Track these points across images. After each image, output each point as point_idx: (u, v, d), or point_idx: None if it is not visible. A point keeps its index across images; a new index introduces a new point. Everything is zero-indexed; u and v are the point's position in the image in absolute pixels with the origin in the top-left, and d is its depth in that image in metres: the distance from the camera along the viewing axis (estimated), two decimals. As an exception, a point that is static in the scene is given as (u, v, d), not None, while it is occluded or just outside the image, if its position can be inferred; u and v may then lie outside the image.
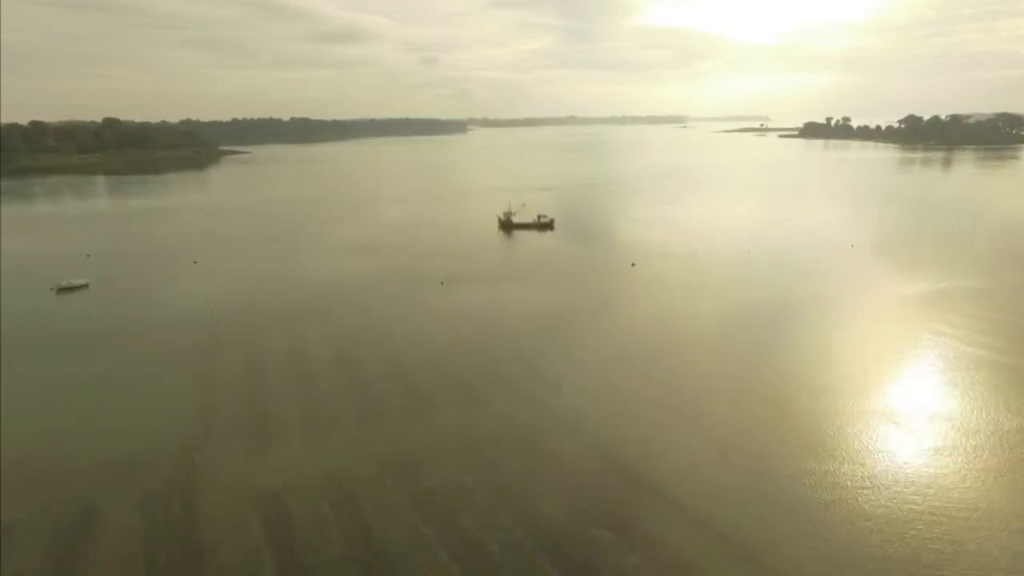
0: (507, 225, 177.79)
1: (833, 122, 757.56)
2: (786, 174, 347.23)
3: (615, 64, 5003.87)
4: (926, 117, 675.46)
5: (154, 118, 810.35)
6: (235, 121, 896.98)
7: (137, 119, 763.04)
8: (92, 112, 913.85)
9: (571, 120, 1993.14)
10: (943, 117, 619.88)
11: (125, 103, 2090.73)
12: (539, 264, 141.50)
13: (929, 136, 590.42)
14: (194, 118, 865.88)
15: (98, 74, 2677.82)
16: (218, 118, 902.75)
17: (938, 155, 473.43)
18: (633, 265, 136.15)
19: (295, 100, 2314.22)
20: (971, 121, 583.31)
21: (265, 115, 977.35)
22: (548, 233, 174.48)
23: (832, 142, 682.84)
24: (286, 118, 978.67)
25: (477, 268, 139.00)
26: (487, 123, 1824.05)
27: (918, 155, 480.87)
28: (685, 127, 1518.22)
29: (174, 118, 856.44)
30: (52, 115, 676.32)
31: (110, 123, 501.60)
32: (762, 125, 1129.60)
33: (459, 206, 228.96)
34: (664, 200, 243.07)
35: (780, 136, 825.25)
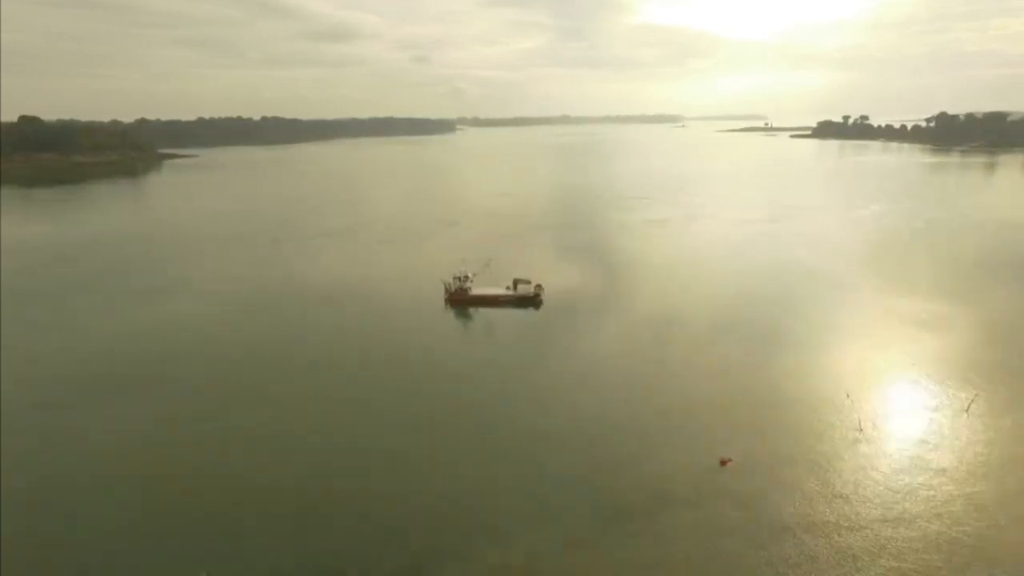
0: (459, 299, 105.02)
1: (851, 121, 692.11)
2: (857, 190, 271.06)
3: (609, 62, 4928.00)
4: (928, 115, 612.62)
5: (148, 117, 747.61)
6: (200, 120, 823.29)
7: (127, 119, 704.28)
8: (84, 112, 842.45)
9: (564, 120, 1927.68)
10: (978, 114, 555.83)
11: (115, 102, 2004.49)
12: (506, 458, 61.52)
13: (964, 136, 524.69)
14: (183, 118, 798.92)
15: (90, 73, 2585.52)
16: (213, 116, 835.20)
17: (983, 159, 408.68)
18: (724, 464, 57.77)
19: (286, 99, 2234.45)
20: (1016, 118, 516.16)
21: (263, 113, 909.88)
22: (531, 312, 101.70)
23: (850, 143, 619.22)
24: (257, 117, 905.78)
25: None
26: (478, 122, 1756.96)
27: (965, 159, 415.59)
28: (683, 126, 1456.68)
29: (163, 117, 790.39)
30: (48, 114, 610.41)
31: (29, 122, 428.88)
32: (767, 124, 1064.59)
33: (408, 249, 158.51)
34: (728, 242, 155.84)
35: (792, 136, 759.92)
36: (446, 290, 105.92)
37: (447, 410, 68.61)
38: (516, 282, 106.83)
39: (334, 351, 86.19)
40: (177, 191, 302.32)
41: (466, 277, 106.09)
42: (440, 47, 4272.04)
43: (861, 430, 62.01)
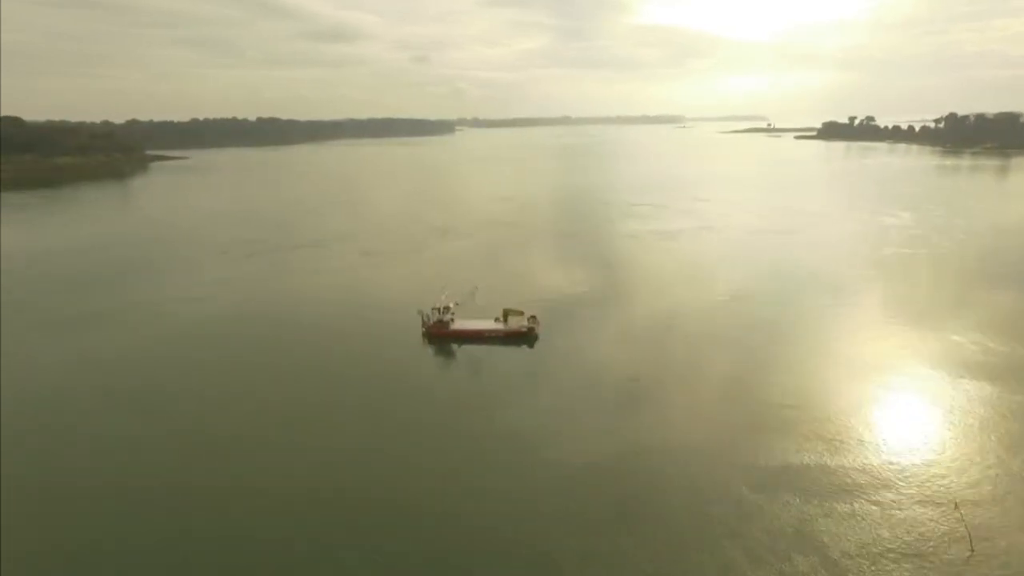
0: (437, 333, 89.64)
1: (857, 122, 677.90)
2: (877, 195, 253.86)
3: (609, 63, 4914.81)
4: (933, 116, 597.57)
5: (144, 117, 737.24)
6: (194, 121, 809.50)
7: (124, 119, 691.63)
8: (82, 113, 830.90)
9: (564, 120, 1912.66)
10: (989, 115, 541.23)
11: (113, 103, 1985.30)
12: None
13: (975, 137, 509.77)
14: (181, 119, 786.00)
15: (91, 73, 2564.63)
16: (211, 117, 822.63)
17: (998, 161, 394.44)
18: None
19: (285, 99, 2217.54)
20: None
21: (262, 114, 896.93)
22: (524, 350, 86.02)
23: (856, 144, 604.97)
24: (253, 117, 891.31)
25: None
26: (477, 123, 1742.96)
27: (979, 161, 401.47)
28: (684, 127, 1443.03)
29: (162, 117, 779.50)
30: (43, 115, 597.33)
31: (10, 123, 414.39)
32: (769, 125, 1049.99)
33: (393, 264, 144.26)
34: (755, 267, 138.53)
35: (796, 137, 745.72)
36: (423, 323, 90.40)
37: (404, 488, 54.59)
38: (507, 313, 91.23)
39: (277, 399, 72.30)
40: (157, 196, 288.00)
41: (447, 308, 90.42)
42: (440, 47, 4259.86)
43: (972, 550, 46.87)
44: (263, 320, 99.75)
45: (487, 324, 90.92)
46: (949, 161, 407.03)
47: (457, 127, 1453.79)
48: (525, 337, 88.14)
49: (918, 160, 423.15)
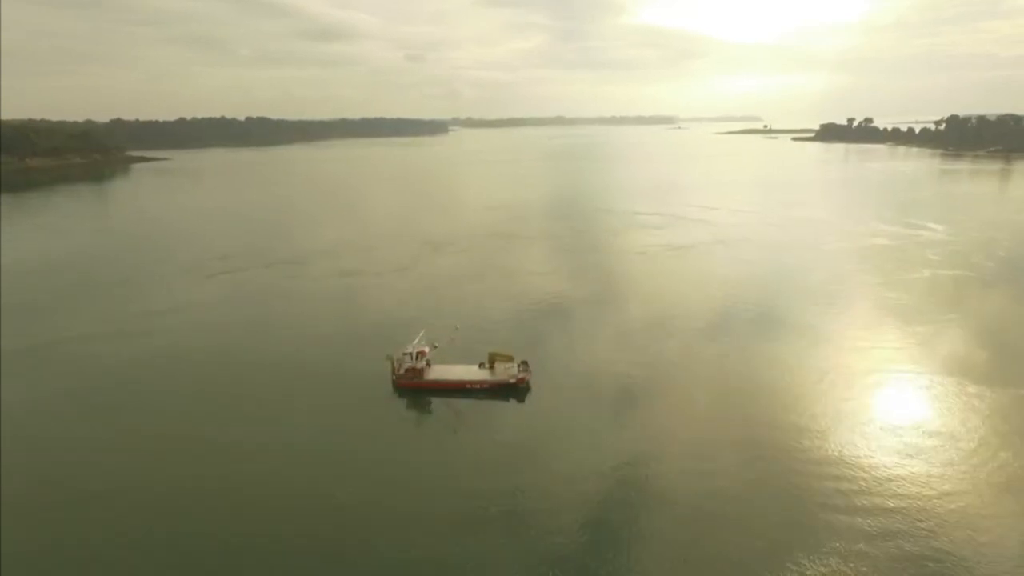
0: (409, 384, 74.92)
1: (855, 123, 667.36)
2: (894, 204, 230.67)
3: (605, 63, 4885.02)
4: (928, 118, 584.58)
5: (131, 117, 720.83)
6: (181, 121, 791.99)
7: (109, 119, 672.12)
8: (68, 113, 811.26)
9: (558, 121, 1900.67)
10: (990, 116, 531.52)
11: (102, 102, 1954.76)
12: None
13: (978, 140, 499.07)
14: (169, 118, 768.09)
15: (77, 72, 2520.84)
16: (200, 116, 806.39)
17: (1003, 165, 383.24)
18: None
19: (277, 99, 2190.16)
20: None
21: (253, 114, 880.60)
22: (512, 404, 72.15)
23: (855, 146, 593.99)
24: (242, 117, 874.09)
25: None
26: (472, 123, 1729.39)
27: (984, 165, 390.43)
28: (679, 128, 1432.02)
29: (152, 117, 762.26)
30: (24, 114, 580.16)
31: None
32: (766, 126, 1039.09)
33: (370, 288, 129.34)
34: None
35: (794, 139, 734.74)
36: (394, 370, 75.95)
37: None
38: (493, 358, 76.91)
39: (212, 470, 58.58)
40: (129, 203, 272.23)
41: (419, 354, 75.95)
42: (435, 47, 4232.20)
43: None
44: (201, 361, 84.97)
45: (470, 372, 76.80)
46: (956, 165, 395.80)
47: (451, 127, 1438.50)
48: (514, 389, 74.00)
49: (923, 164, 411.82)
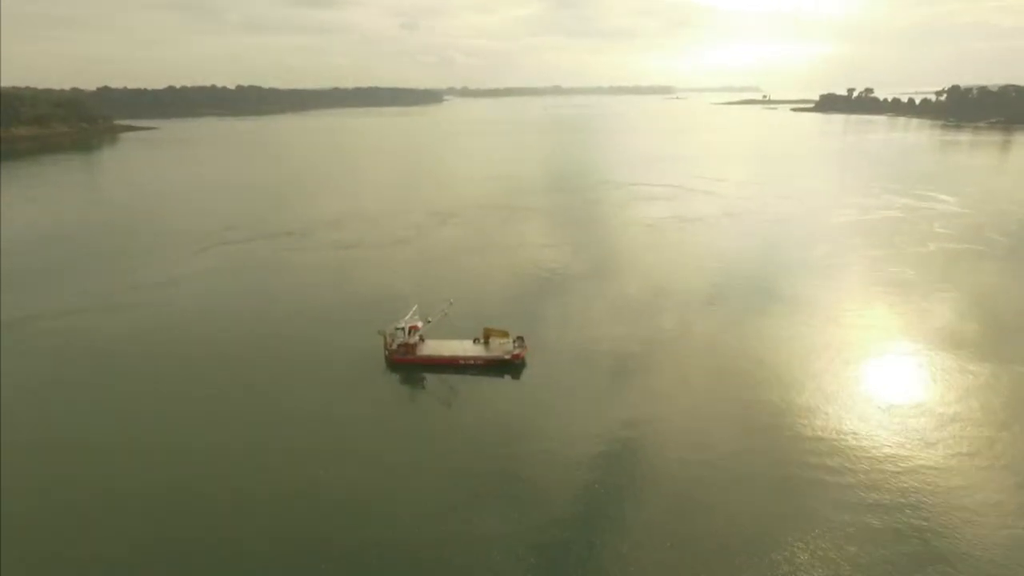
0: (402, 359, 72.99)
1: (855, 94, 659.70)
2: (899, 175, 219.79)
3: (602, 32, 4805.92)
4: (928, 88, 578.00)
5: (119, 85, 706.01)
6: (170, 89, 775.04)
7: (95, 87, 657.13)
8: (54, 80, 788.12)
9: (555, 90, 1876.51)
10: (992, 87, 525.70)
11: (89, 69, 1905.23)
12: None
13: (978, 111, 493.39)
14: (157, 86, 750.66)
15: (62, 38, 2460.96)
16: (190, 84, 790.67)
17: (1004, 136, 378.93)
18: None
19: (268, 67, 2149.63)
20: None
21: (243, 82, 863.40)
22: (507, 381, 70.28)
23: (854, 117, 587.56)
24: (232, 85, 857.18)
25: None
26: (466, 93, 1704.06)
27: (987, 137, 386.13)
28: (677, 98, 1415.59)
29: (139, 85, 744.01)
30: (12, 82, 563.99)
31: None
32: (765, 96, 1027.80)
33: (367, 260, 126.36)
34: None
35: (793, 109, 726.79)
36: (386, 345, 74.05)
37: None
38: (488, 333, 75.14)
39: (200, 442, 57.34)
40: (115, 174, 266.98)
41: (412, 329, 73.62)
42: (430, 14, 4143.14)
43: None
44: (190, 337, 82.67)
45: (464, 348, 74.89)
46: (957, 136, 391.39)
47: (445, 97, 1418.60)
48: (509, 365, 72.02)
49: (924, 135, 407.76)
